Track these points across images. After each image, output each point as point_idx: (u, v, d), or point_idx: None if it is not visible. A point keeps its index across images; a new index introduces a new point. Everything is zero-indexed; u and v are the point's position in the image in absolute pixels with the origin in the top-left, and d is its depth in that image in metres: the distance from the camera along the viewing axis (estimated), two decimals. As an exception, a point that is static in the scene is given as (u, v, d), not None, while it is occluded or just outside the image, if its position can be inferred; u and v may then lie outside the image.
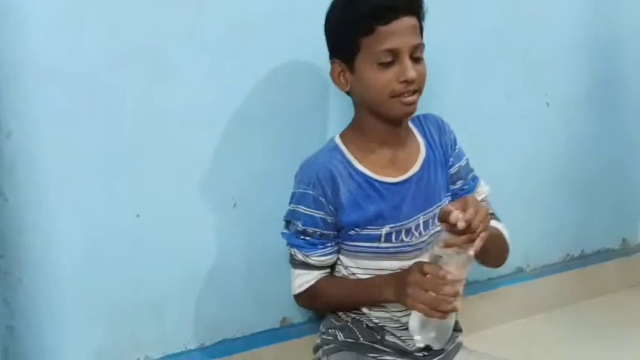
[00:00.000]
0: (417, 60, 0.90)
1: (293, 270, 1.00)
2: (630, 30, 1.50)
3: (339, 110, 1.16)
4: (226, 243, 1.13)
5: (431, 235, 0.97)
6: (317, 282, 0.98)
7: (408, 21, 0.88)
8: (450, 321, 0.87)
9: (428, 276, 0.83)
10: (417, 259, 0.91)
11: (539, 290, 1.49)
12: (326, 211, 0.95)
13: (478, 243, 0.80)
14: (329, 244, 0.97)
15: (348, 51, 0.90)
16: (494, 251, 0.97)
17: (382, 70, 0.88)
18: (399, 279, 0.88)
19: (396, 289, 0.88)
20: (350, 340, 0.99)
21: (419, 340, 0.88)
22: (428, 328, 0.86)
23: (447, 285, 0.81)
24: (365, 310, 0.97)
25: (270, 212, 1.10)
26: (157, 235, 1.07)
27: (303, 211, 0.96)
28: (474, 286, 1.41)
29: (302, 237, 0.97)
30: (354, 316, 0.99)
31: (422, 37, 0.93)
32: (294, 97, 1.13)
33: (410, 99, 0.90)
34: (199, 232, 1.11)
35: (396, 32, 0.86)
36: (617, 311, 1.51)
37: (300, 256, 0.98)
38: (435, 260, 0.83)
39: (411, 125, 1.02)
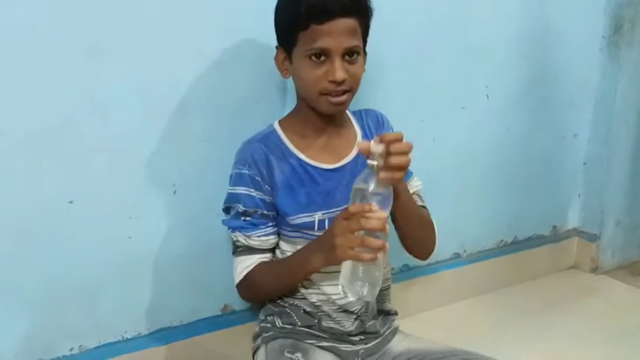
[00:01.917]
0: (351, 61, 0.90)
1: (235, 259, 1.00)
2: (560, 32, 1.57)
3: (281, 98, 1.16)
4: (166, 229, 1.11)
5: None
6: (254, 268, 0.97)
7: (344, 22, 0.88)
8: (378, 271, 0.85)
9: (352, 218, 0.82)
10: None
11: (474, 275, 1.55)
12: (263, 191, 0.95)
13: (398, 173, 0.80)
14: (270, 224, 0.97)
15: (288, 42, 0.93)
16: (419, 230, 0.99)
17: (313, 67, 0.90)
18: (324, 239, 0.88)
19: (324, 250, 0.87)
20: (288, 325, 1.00)
21: (350, 296, 0.86)
22: (357, 282, 0.85)
23: (372, 219, 0.80)
24: (302, 290, 0.98)
25: (211, 198, 1.10)
26: (91, 221, 1.04)
27: (241, 191, 0.96)
28: (412, 271, 1.46)
29: (243, 218, 0.96)
30: (292, 301, 1.00)
31: (364, 37, 0.93)
32: (235, 83, 1.12)
33: (338, 99, 0.91)
34: (138, 218, 1.08)
35: (330, 33, 0.87)
36: (547, 294, 1.60)
37: (242, 240, 0.97)
38: (356, 199, 0.83)
39: (350, 116, 1.05)
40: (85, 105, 0.99)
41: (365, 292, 0.85)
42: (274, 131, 0.99)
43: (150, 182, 1.08)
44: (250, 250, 0.97)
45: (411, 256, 1.05)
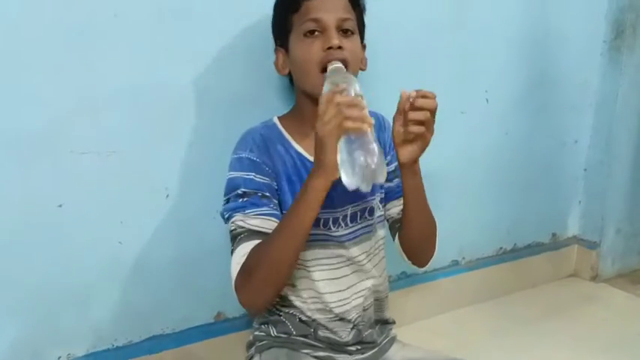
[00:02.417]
0: (346, 36, 0.91)
1: (232, 255, 0.86)
2: (561, 36, 1.55)
3: (278, 100, 1.14)
4: (158, 234, 1.09)
5: (358, 229, 0.96)
6: (250, 251, 0.84)
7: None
8: (373, 144, 0.76)
9: (328, 104, 0.76)
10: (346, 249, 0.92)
11: (473, 282, 1.53)
12: (264, 173, 0.90)
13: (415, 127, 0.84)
14: (272, 205, 0.89)
15: (283, 31, 0.93)
16: (425, 224, 0.96)
17: (309, 44, 0.89)
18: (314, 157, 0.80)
19: (317, 159, 0.79)
20: (283, 334, 0.97)
21: (356, 182, 0.76)
22: (358, 159, 0.76)
23: (345, 97, 0.76)
24: (298, 303, 0.95)
25: (205, 202, 1.07)
26: (81, 226, 1.01)
27: (242, 175, 0.90)
28: (410, 279, 1.44)
29: (241, 199, 0.88)
30: (287, 310, 0.97)
31: (357, 18, 0.94)
32: (230, 84, 1.09)
33: None
34: (129, 223, 1.06)
35: (321, 6, 0.89)
36: (546, 302, 1.58)
37: (240, 223, 0.86)
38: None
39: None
40: (74, 105, 0.97)
41: (375, 173, 0.76)
42: (274, 125, 0.97)
43: (141, 185, 1.05)
44: (251, 234, 0.85)
45: (410, 262, 1.01)
